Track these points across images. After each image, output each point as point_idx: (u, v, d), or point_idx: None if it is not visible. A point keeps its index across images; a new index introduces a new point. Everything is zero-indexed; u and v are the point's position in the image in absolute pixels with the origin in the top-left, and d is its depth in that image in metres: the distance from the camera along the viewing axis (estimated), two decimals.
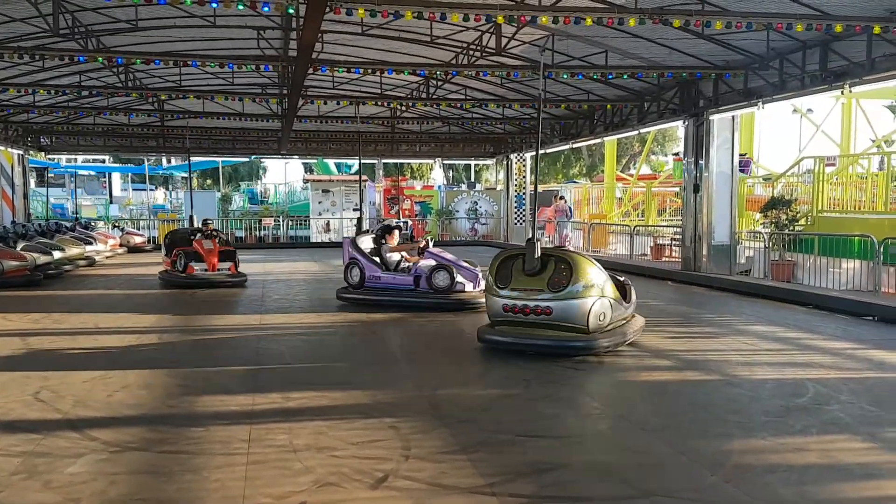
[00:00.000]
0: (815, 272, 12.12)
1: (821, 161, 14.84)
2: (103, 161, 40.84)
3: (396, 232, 11.56)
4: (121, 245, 22.18)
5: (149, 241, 24.44)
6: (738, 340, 8.20)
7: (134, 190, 41.41)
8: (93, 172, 42.51)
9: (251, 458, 4.40)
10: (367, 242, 11.41)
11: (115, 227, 24.86)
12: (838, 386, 6.10)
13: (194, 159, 32.47)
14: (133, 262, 19.25)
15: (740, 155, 16.69)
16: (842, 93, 12.12)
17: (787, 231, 13.41)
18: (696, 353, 7.54)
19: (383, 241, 11.19)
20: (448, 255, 11.05)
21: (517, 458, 4.44)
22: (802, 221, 14.03)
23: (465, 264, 10.91)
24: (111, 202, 36.86)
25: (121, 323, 9.43)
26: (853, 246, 12.08)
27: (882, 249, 10.68)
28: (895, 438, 4.79)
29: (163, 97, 18.38)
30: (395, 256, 11.18)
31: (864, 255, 11.50)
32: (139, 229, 25.83)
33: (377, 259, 11.05)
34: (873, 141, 22.57)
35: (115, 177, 43.34)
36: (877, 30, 10.12)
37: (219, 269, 13.22)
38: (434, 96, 18.01)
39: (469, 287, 10.59)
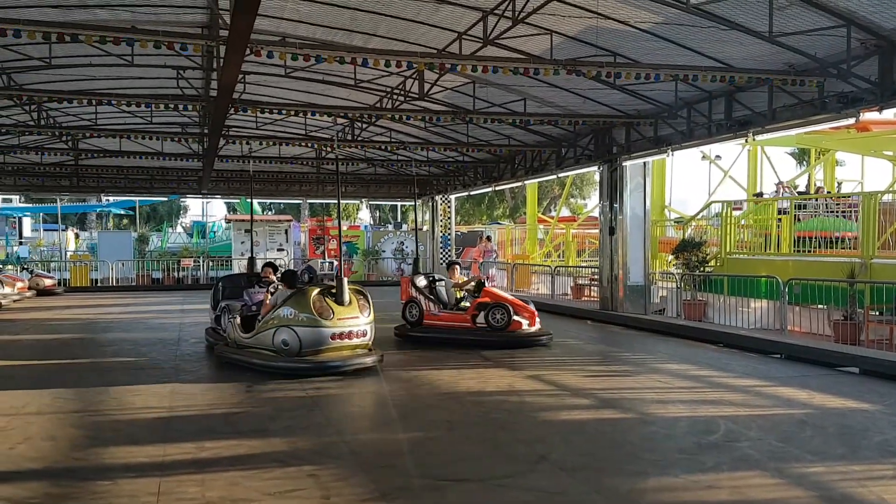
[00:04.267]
0: (726, 311, 12.58)
1: (728, 205, 15.52)
2: (11, 201, 39.10)
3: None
4: (29, 288, 21.12)
5: (60, 283, 23.37)
6: (652, 379, 8.39)
7: (45, 230, 39.72)
8: None
9: None
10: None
11: (23, 269, 23.69)
12: (748, 423, 6.30)
13: (109, 199, 31.49)
14: (42, 305, 18.34)
15: (776, 183, 18.41)
16: (746, 141, 12.79)
17: (697, 272, 13.90)
18: (612, 392, 7.67)
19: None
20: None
21: None
22: (712, 263, 14.57)
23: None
24: (21, 243, 35.21)
25: (25, 370, 8.94)
26: (760, 286, 12.62)
27: (787, 290, 11.18)
28: (802, 474, 4.95)
29: (77, 136, 17.80)
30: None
31: (771, 295, 12.01)
32: (50, 271, 24.69)
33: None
34: (776, 184, 23.75)
35: (26, 217, 41.51)
36: (776, 82, 10.76)
37: None
38: (359, 138, 18.07)
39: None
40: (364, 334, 8.89)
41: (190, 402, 7.21)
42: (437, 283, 11.60)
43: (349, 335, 8.68)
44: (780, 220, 14.52)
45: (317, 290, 8.72)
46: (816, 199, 15.26)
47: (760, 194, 18.45)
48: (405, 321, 11.58)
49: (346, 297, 8.78)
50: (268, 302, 9.25)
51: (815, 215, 14.46)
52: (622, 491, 4.60)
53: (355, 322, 8.75)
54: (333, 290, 8.81)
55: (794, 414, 6.74)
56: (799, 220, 14.52)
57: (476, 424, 6.39)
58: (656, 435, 6.01)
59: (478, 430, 6.16)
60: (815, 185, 22.70)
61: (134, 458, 5.29)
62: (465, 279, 12.21)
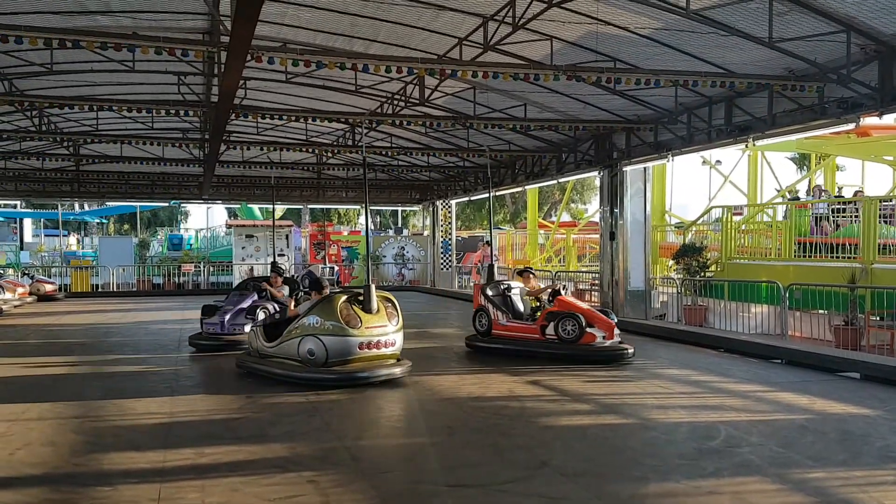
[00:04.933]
0: (726, 316, 12.58)
1: (729, 210, 15.54)
2: (14, 206, 39.12)
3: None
4: (30, 293, 21.12)
5: (60, 289, 23.39)
6: (653, 384, 8.38)
7: (46, 236, 39.75)
8: (1, 218, 40.62)
9: None
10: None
11: (24, 274, 23.70)
12: (749, 428, 6.28)
13: (110, 203, 31.52)
14: (43, 311, 18.35)
15: (816, 187, 17.81)
16: (746, 146, 12.81)
17: (698, 277, 13.90)
18: (613, 397, 7.66)
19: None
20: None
21: None
22: (713, 267, 14.58)
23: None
24: (22, 248, 35.24)
25: (25, 376, 8.94)
26: (761, 291, 12.63)
27: (787, 295, 11.17)
28: (803, 479, 4.93)
29: (78, 141, 17.84)
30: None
31: (772, 300, 12.02)
32: (50, 277, 24.71)
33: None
34: (778, 191, 23.80)
35: (27, 222, 41.54)
36: (776, 87, 10.78)
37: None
38: (360, 143, 18.09)
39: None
40: (393, 343, 8.46)
41: (190, 407, 7.21)
42: (511, 291, 10.92)
43: (377, 345, 8.25)
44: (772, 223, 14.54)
45: (344, 298, 8.34)
46: (856, 203, 14.09)
47: (797, 198, 18.05)
48: (475, 331, 11.02)
49: (374, 304, 8.41)
50: (292, 308, 9.10)
51: (854, 221, 13.61)
52: (623, 497, 4.59)
53: (383, 331, 8.33)
54: (361, 298, 8.45)
55: (795, 419, 6.73)
56: (838, 226, 13.86)
57: (477, 430, 6.38)
58: (657, 440, 6.00)
59: (478, 436, 6.15)
60: (819, 186, 22.71)
61: (134, 464, 5.27)
62: (541, 287, 11.37)
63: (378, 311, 8.43)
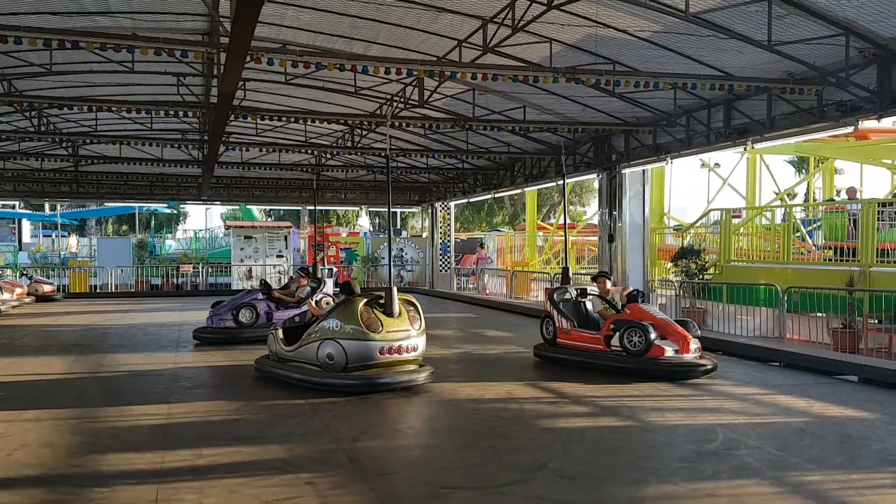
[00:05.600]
0: (724, 319, 12.58)
1: (727, 213, 15.54)
2: (13, 207, 39.13)
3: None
4: (28, 294, 21.09)
5: (59, 289, 23.36)
6: (651, 386, 8.35)
7: (45, 236, 39.74)
8: None
9: None
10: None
11: (22, 275, 23.68)
12: (747, 431, 6.28)
13: (108, 204, 31.48)
14: (41, 311, 18.32)
15: (850, 188, 16.89)
16: (745, 149, 12.80)
17: (696, 280, 13.91)
18: (611, 399, 7.66)
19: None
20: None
21: None
22: (711, 270, 14.58)
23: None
24: (20, 249, 35.22)
25: (23, 376, 8.92)
26: (759, 294, 12.62)
27: (786, 298, 11.18)
28: (800, 482, 4.94)
29: (77, 142, 17.83)
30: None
31: (770, 303, 12.01)
32: (48, 277, 24.69)
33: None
34: (777, 194, 23.81)
35: (25, 223, 41.54)
36: (775, 91, 10.79)
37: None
38: (359, 145, 18.10)
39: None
40: (415, 349, 8.16)
41: (188, 409, 7.20)
42: (587, 297, 10.05)
43: (399, 349, 7.95)
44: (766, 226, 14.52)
45: (364, 301, 8.08)
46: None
47: (832, 200, 17.56)
48: (542, 339, 10.27)
49: (396, 307, 8.15)
50: (313, 306, 8.95)
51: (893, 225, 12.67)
52: (621, 499, 4.59)
53: (405, 335, 8.05)
54: (382, 301, 8.19)
55: (793, 422, 6.74)
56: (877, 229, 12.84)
57: (475, 432, 6.38)
58: (655, 443, 6.01)
59: (477, 438, 6.15)
60: (813, 191, 22.73)
61: (132, 465, 5.27)
62: (615, 291, 10.08)
63: (400, 314, 8.16)
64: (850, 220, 13.00)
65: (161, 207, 39.51)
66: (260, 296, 12.16)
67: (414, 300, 8.57)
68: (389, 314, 8.09)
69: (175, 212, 49.52)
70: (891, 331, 10.12)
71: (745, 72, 10.78)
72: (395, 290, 8.26)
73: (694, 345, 8.94)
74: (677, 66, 10.91)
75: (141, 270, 26.26)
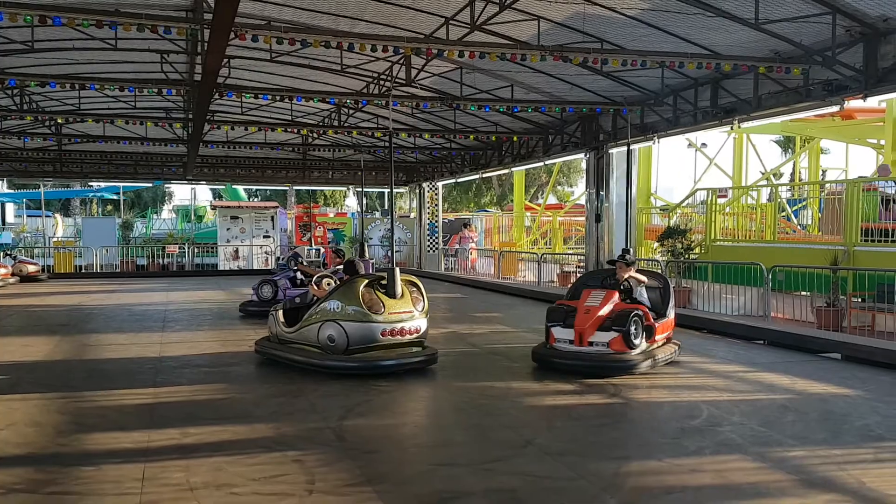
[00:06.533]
0: (710, 298, 12.66)
1: (713, 192, 15.59)
2: None
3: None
4: (13, 274, 20.91)
5: (43, 269, 23.18)
6: None
7: (29, 216, 39.34)
8: None
9: (144, 498, 4.19)
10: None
11: (6, 255, 23.46)
12: (730, 408, 6.34)
13: (93, 184, 31.18)
14: (26, 292, 18.19)
15: (882, 166, 15.26)
16: (731, 128, 12.83)
17: (682, 259, 13.97)
18: (596, 378, 7.69)
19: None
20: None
21: (423, 489, 4.40)
22: (697, 250, 14.65)
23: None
24: (3, 229, 34.87)
25: (9, 356, 8.87)
26: (744, 273, 12.70)
27: (770, 276, 11.25)
28: (783, 458, 4.99)
29: (60, 121, 17.61)
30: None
31: (755, 282, 12.10)
32: (33, 258, 24.47)
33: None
34: (763, 174, 23.93)
35: (9, 203, 41.07)
36: (762, 70, 10.79)
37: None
38: (345, 124, 17.98)
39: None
40: (417, 330, 8.00)
41: (175, 389, 7.19)
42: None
43: (401, 331, 7.80)
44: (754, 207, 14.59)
45: (366, 282, 7.91)
46: None
47: (863, 177, 16.59)
48: None
49: (399, 289, 7.97)
50: (314, 287, 8.68)
51: None
52: (606, 475, 4.64)
53: (408, 316, 7.89)
54: (384, 282, 8.00)
55: (777, 399, 6.81)
56: None
57: (462, 410, 6.41)
58: (640, 420, 6.06)
59: (464, 416, 6.18)
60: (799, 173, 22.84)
61: (118, 444, 5.26)
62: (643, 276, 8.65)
63: (403, 295, 7.99)
64: (882, 200, 12.26)
65: (145, 186, 39.19)
66: (291, 274, 12.96)
67: (417, 281, 8.40)
68: (392, 295, 7.91)
69: (162, 191, 49.17)
70: (874, 309, 10.23)
71: (732, 50, 10.77)
72: (397, 270, 8.09)
73: (604, 337, 7.75)
74: (665, 45, 10.89)
75: (126, 251, 26.08)
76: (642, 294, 8.45)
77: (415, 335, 8.00)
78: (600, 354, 7.73)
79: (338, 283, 8.59)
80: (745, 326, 10.80)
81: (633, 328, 7.69)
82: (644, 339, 7.90)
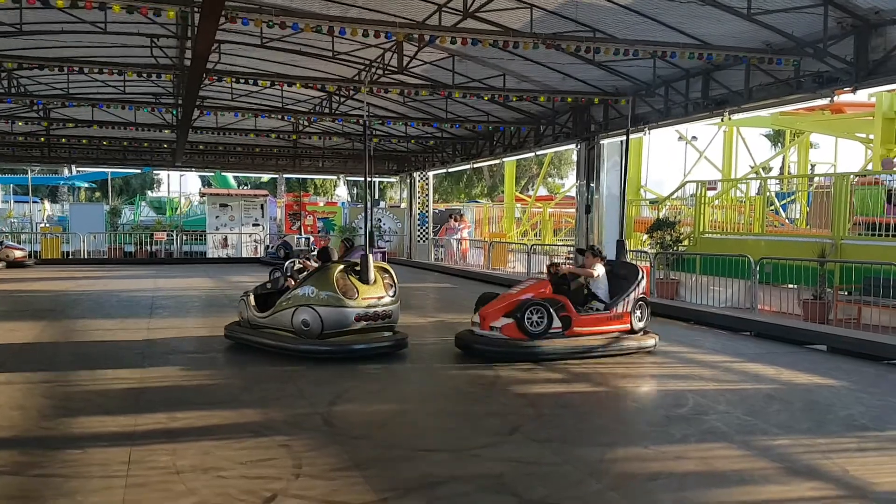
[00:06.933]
0: (697, 290, 12.72)
1: (703, 185, 15.63)
2: None
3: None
4: None
5: (30, 255, 23.01)
6: (625, 355, 8.45)
7: (16, 202, 39.02)
8: None
9: (130, 480, 4.17)
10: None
11: None
12: (716, 397, 6.38)
13: (80, 170, 30.94)
14: (12, 277, 18.05)
15: (887, 160, 15.10)
16: (722, 120, 12.86)
17: (671, 251, 14.02)
18: (585, 367, 7.72)
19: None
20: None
21: (410, 473, 4.41)
22: (686, 242, 14.70)
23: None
24: None
25: None
26: (732, 265, 12.76)
27: (758, 269, 11.31)
28: (767, 446, 5.03)
29: (48, 105, 17.44)
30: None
31: (742, 275, 12.16)
32: (20, 243, 24.29)
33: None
34: (752, 167, 24.02)
35: None
36: (753, 61, 10.81)
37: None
38: (336, 112, 17.91)
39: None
40: (389, 315, 8.20)
41: (162, 373, 7.16)
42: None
43: (374, 316, 7.99)
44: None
45: (340, 268, 8.10)
46: None
47: (863, 174, 16.01)
48: None
49: (372, 274, 8.17)
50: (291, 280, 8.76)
51: None
52: (592, 461, 4.66)
53: (381, 302, 8.09)
54: (358, 268, 8.19)
55: (762, 389, 6.86)
56: None
57: (450, 397, 6.42)
58: (627, 408, 6.09)
59: (451, 403, 6.20)
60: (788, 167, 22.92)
61: (105, 428, 5.24)
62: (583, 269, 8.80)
63: (375, 281, 8.19)
64: (886, 194, 12.19)
65: (133, 172, 38.92)
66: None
67: (389, 267, 8.62)
68: (365, 281, 8.11)
69: (151, 177, 48.84)
70: (860, 302, 10.30)
71: (723, 41, 10.78)
72: (370, 257, 8.26)
73: (501, 323, 7.95)
74: (657, 34, 10.88)
75: (114, 237, 25.92)
76: (598, 286, 8.53)
77: (387, 320, 8.20)
78: (493, 339, 7.96)
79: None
80: (732, 318, 10.87)
81: (531, 316, 7.84)
82: (559, 328, 7.98)
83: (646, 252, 15.13)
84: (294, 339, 8.01)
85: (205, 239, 26.75)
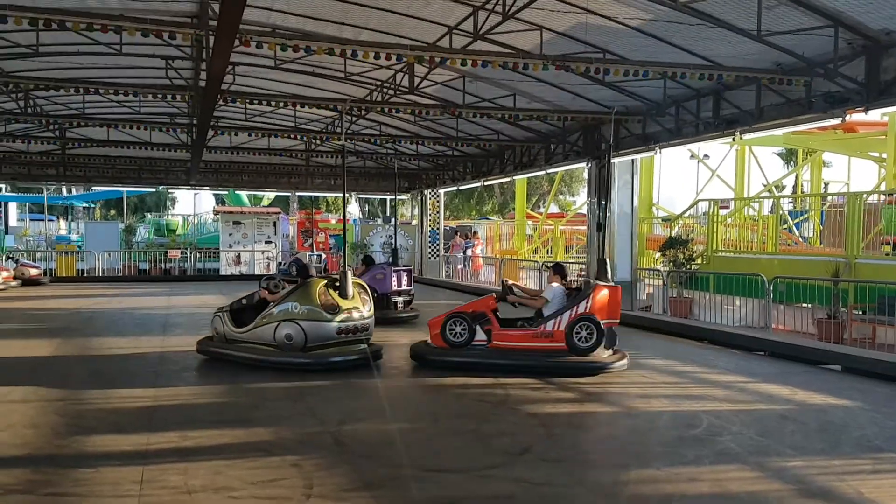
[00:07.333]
0: (711, 309, 12.65)
1: (715, 204, 15.61)
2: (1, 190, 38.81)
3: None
4: (15, 277, 20.92)
5: (45, 273, 23.19)
6: (637, 374, 8.41)
7: (32, 220, 39.44)
8: None
9: (143, 500, 4.19)
10: None
11: (8, 258, 23.49)
12: (730, 418, 6.33)
13: (96, 189, 31.27)
14: (27, 295, 18.21)
15: None
16: (733, 139, 12.84)
17: (684, 269, 13.97)
18: (597, 386, 7.70)
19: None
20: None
21: (421, 494, 4.40)
22: (699, 260, 14.65)
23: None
24: (7, 232, 34.93)
25: (9, 359, 8.88)
26: (745, 284, 12.69)
27: (772, 288, 11.25)
28: (782, 468, 4.99)
29: (64, 125, 17.66)
30: None
31: (756, 294, 12.09)
32: (35, 261, 24.50)
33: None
34: (764, 185, 23.94)
35: (12, 206, 41.17)
36: (764, 81, 10.81)
37: None
38: (348, 131, 18.02)
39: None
40: (367, 328, 8.66)
41: (174, 392, 7.19)
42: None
43: (353, 329, 8.45)
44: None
45: (322, 283, 8.54)
46: None
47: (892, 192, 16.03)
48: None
49: (350, 290, 8.62)
50: (264, 292, 9.05)
51: None
52: (604, 482, 4.63)
53: (359, 315, 8.55)
54: (337, 283, 8.64)
55: (776, 409, 6.80)
56: None
57: (460, 416, 6.41)
58: (640, 428, 6.05)
59: (462, 422, 6.18)
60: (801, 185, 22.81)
61: (117, 447, 5.27)
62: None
63: (353, 296, 8.65)
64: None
65: (148, 191, 39.28)
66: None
67: (363, 283, 9.17)
68: (344, 296, 8.54)
69: (164, 195, 49.24)
70: (874, 321, 10.22)
71: (734, 62, 10.78)
72: (349, 272, 8.76)
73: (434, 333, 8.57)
74: (667, 55, 10.90)
75: (129, 255, 26.10)
76: (550, 306, 8.55)
77: (365, 333, 8.65)
78: (429, 349, 8.70)
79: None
80: (746, 337, 10.79)
81: (454, 327, 8.47)
82: (484, 340, 8.41)
83: (658, 270, 15.09)
84: (274, 352, 8.38)
85: (218, 256, 26.89)
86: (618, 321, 8.68)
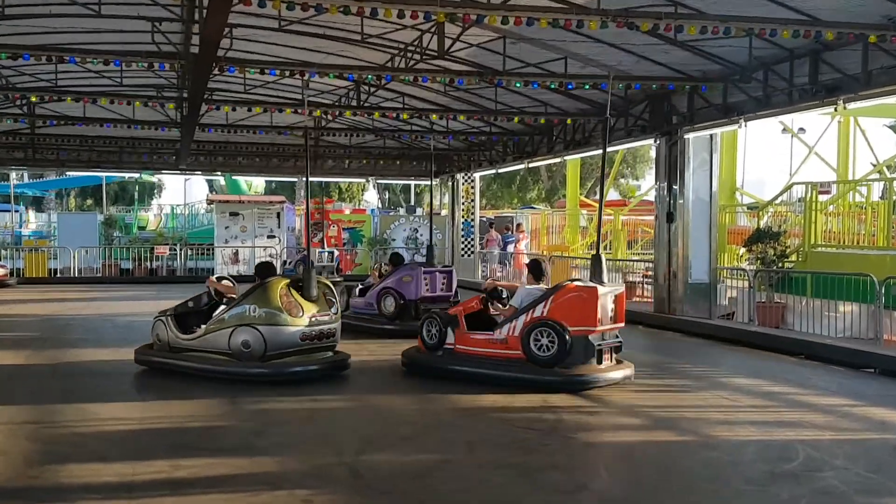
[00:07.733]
0: (808, 316, 12.49)
1: (813, 188, 15.39)
2: None
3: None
4: None
5: (12, 273, 23.70)
6: (717, 395, 8.37)
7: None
8: None
9: None
10: None
11: None
12: (833, 449, 6.27)
13: (71, 174, 31.81)
14: None
15: None
16: (835, 109, 12.65)
17: (775, 268, 13.81)
18: (668, 410, 7.67)
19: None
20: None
21: None
22: (793, 257, 14.47)
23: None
24: None
25: None
26: (851, 286, 12.49)
27: (884, 291, 11.07)
28: None
29: (34, 99, 17.99)
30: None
31: (864, 298, 11.91)
32: (0, 260, 25.04)
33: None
34: (874, 165, 23.54)
35: None
36: (872, 39, 10.62)
37: None
38: (365, 104, 18.11)
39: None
40: (333, 334, 8.99)
41: (163, 413, 7.32)
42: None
43: (318, 335, 8.73)
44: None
45: (283, 283, 8.72)
46: None
47: None
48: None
49: (314, 291, 8.89)
50: (213, 281, 9.70)
51: None
52: None
53: (325, 320, 8.84)
54: (301, 283, 8.88)
55: (889, 439, 6.72)
56: None
57: (502, 446, 6.42)
58: (719, 461, 6.01)
59: (503, 453, 6.19)
60: None
61: (98, 477, 5.37)
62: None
63: (318, 298, 8.90)
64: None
65: (133, 176, 39.89)
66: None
67: (329, 283, 9.35)
68: (308, 298, 8.72)
69: (151, 183, 49.98)
70: None
71: (836, 16, 10.62)
72: (313, 271, 8.98)
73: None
74: (753, 9, 10.76)
75: (109, 252, 26.49)
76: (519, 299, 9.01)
77: (331, 339, 8.97)
78: (416, 352, 9.44)
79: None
80: (851, 351, 10.68)
81: (430, 328, 9.18)
82: (452, 343, 8.99)
83: (743, 269, 14.94)
84: (227, 361, 8.56)
85: (212, 253, 27.13)
86: (599, 329, 8.47)
